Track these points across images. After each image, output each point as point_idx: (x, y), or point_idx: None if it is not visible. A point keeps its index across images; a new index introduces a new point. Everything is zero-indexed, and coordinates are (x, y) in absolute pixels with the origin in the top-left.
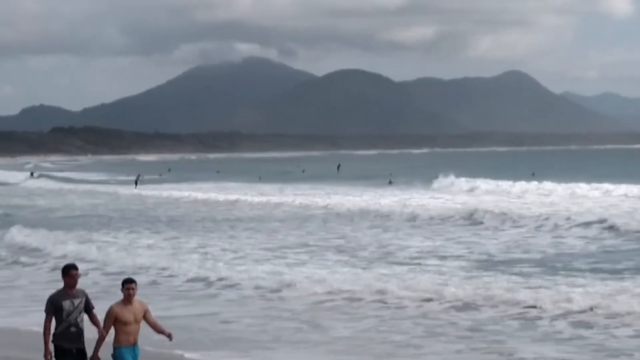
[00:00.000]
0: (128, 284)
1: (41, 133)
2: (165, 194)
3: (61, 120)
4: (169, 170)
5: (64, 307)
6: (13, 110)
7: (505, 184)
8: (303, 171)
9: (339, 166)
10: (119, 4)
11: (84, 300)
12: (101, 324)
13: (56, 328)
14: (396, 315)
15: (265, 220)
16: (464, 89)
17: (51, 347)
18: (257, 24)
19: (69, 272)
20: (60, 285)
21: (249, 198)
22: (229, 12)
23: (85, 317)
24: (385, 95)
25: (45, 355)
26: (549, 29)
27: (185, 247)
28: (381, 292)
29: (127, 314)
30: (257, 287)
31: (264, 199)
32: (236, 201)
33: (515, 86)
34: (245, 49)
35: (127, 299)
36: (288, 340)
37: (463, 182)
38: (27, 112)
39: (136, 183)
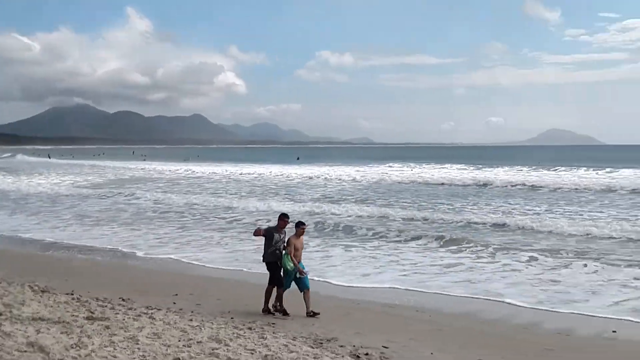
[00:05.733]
0: (302, 225)
1: None
2: None
3: None
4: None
5: (274, 237)
6: None
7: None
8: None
9: (133, 152)
10: (22, 75)
11: (285, 237)
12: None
13: (266, 250)
14: None
15: None
16: (184, 122)
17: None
18: (84, 87)
19: (283, 218)
20: None
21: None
22: (70, 82)
23: None
24: (143, 123)
25: (257, 230)
26: (214, 98)
27: None
28: None
29: (298, 243)
30: None
31: None
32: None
33: (199, 122)
34: (78, 99)
35: (300, 234)
36: None
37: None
38: None
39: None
